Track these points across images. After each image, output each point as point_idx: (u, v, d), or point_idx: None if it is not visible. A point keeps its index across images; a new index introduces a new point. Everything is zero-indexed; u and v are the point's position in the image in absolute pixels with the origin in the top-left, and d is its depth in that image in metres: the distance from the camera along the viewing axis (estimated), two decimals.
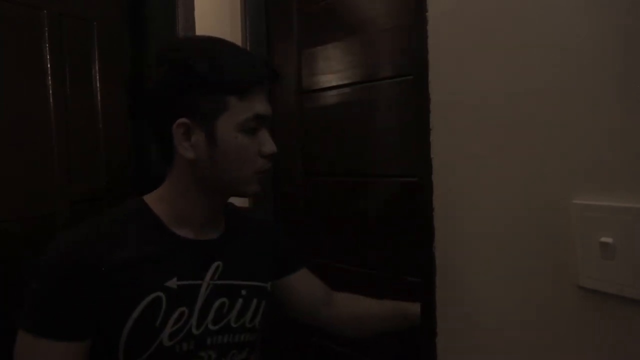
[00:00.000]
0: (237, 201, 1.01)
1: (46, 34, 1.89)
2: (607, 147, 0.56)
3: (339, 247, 1.27)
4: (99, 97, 2.06)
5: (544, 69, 0.63)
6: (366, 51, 1.11)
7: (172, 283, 0.80)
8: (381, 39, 1.05)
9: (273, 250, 1.00)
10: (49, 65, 1.89)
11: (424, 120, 0.81)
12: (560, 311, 0.63)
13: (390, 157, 1.04)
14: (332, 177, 1.28)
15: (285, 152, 1.50)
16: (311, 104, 1.39)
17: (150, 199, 0.87)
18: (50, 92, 1.89)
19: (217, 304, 0.84)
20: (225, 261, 0.87)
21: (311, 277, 1.07)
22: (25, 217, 1.80)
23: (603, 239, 0.57)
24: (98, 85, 2.06)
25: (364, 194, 1.14)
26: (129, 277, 0.77)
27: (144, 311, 0.77)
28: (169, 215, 0.85)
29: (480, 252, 0.74)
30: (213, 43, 0.83)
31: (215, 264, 0.86)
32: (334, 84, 1.24)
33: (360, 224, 1.17)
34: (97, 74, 2.06)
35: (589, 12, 0.58)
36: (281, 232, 1.07)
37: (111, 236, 0.79)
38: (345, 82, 1.19)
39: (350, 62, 1.16)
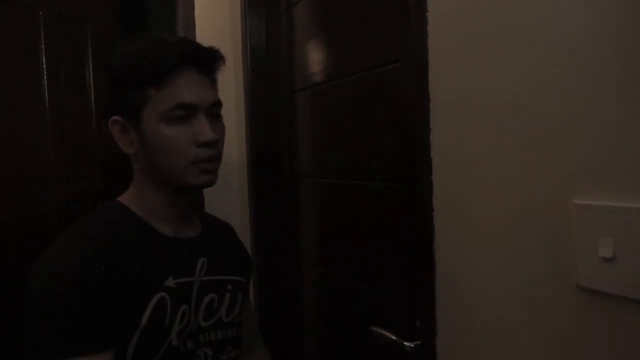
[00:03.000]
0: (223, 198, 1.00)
1: (42, 35, 1.88)
2: (607, 147, 0.57)
3: (333, 251, 1.27)
4: (93, 98, 2.06)
5: (543, 69, 0.63)
6: (364, 50, 1.11)
7: (170, 282, 0.79)
8: (380, 38, 1.05)
9: (244, 253, 1.02)
10: (44, 66, 1.88)
11: (424, 120, 0.81)
12: (560, 311, 0.63)
13: (389, 158, 1.04)
14: (325, 179, 1.28)
15: (274, 152, 1.51)
16: (303, 102, 1.39)
17: (125, 199, 0.85)
18: (46, 92, 1.88)
19: (206, 300, 0.84)
20: (209, 257, 0.87)
21: (251, 313, 1.04)
22: (21, 217, 1.79)
23: (603, 239, 0.57)
24: (92, 85, 2.05)
25: (360, 195, 1.14)
26: (132, 281, 0.75)
27: (153, 313, 0.76)
28: (147, 213, 0.84)
29: (480, 252, 0.74)
30: (135, 38, 0.82)
31: (201, 260, 0.86)
32: (328, 82, 1.24)
33: (358, 227, 1.17)
34: (92, 75, 2.05)
35: (589, 12, 0.58)
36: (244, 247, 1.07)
37: (104, 244, 0.76)
38: (342, 80, 1.19)
39: (348, 60, 1.16)
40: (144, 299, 0.76)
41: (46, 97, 1.89)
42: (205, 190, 1.66)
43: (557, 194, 0.62)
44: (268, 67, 1.50)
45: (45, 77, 1.89)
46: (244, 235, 1.59)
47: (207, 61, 0.82)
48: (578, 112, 0.59)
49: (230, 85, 1.65)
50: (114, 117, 0.81)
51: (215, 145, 0.80)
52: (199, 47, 0.82)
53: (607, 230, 0.57)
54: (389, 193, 1.03)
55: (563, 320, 0.63)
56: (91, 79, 2.06)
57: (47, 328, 0.69)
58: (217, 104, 0.83)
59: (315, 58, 1.30)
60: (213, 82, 0.84)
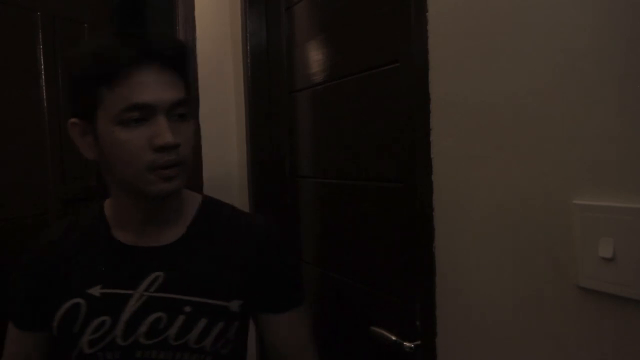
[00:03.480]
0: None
1: (40, 36, 1.88)
2: (607, 147, 0.57)
3: (333, 251, 1.27)
4: None
5: (544, 69, 0.63)
6: (364, 50, 1.11)
7: (95, 290, 0.77)
8: (380, 38, 1.05)
9: (258, 267, 0.82)
10: (42, 67, 1.88)
11: (424, 121, 0.81)
12: (560, 311, 0.63)
13: (389, 158, 1.04)
14: (325, 179, 1.28)
15: (274, 152, 1.51)
16: (302, 102, 1.39)
17: (106, 201, 0.86)
18: (44, 93, 1.88)
19: (151, 317, 0.77)
20: (170, 272, 0.79)
21: (294, 325, 0.86)
22: (19, 216, 1.79)
23: (603, 239, 0.57)
24: None
25: (360, 195, 1.14)
26: (56, 282, 0.80)
27: (63, 316, 0.78)
28: (113, 218, 0.82)
29: (480, 252, 0.74)
30: (94, 37, 0.78)
31: (154, 274, 0.78)
32: (328, 82, 1.24)
33: (358, 227, 1.17)
34: None
35: (589, 12, 0.58)
36: (280, 252, 0.86)
37: (57, 243, 0.83)
38: (341, 80, 1.19)
39: (348, 60, 1.16)
40: (58, 302, 0.79)
41: (44, 97, 1.89)
42: (205, 191, 1.66)
43: (557, 194, 0.62)
44: (268, 67, 1.50)
45: (42, 77, 1.89)
46: None
47: (172, 57, 0.75)
48: (578, 112, 0.59)
49: (230, 85, 1.65)
50: (72, 120, 0.76)
51: (176, 149, 0.72)
52: (161, 42, 0.75)
53: (607, 230, 0.57)
54: (389, 193, 1.03)
55: (563, 320, 0.63)
56: None
57: (7, 294, 0.86)
58: (181, 103, 0.74)
59: (315, 58, 1.30)
60: (180, 79, 0.76)
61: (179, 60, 0.76)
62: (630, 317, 0.55)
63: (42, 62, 1.88)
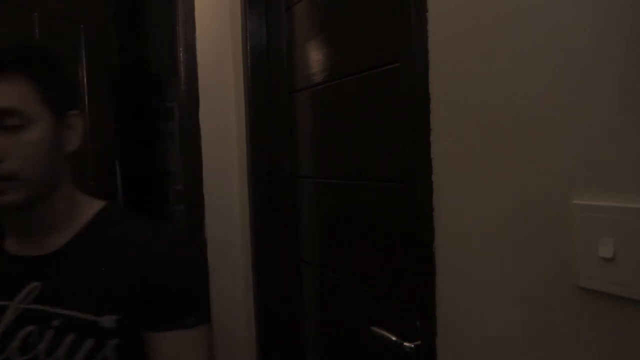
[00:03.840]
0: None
1: (37, 36, 1.88)
2: (607, 147, 0.57)
3: (333, 251, 1.27)
4: (86, 100, 2.06)
5: (543, 69, 0.63)
6: (364, 50, 1.11)
7: None
8: (380, 38, 1.05)
9: (137, 281, 0.74)
10: None
11: (424, 121, 0.81)
12: (560, 311, 0.63)
13: (389, 158, 1.04)
14: (324, 179, 1.28)
15: (273, 152, 1.51)
16: (302, 102, 1.40)
17: None
18: None
19: (24, 331, 0.73)
20: (48, 282, 0.75)
21: (180, 350, 0.74)
22: None
23: (603, 239, 0.57)
24: (86, 86, 2.05)
25: (360, 195, 1.15)
26: None
27: None
28: (6, 227, 0.81)
29: (480, 252, 0.74)
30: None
31: (32, 285, 0.74)
32: (328, 82, 1.24)
33: (358, 227, 1.17)
34: (85, 75, 2.05)
35: (589, 12, 0.58)
36: (165, 266, 0.75)
37: None
38: (341, 80, 1.19)
39: (348, 60, 1.17)
40: None
41: None
42: (205, 191, 1.66)
43: (557, 194, 0.62)
44: (268, 67, 1.50)
45: None
46: (244, 235, 1.59)
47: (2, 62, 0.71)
48: (578, 112, 0.59)
49: (230, 85, 1.65)
50: None
51: None
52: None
53: (607, 230, 0.57)
54: (389, 193, 1.04)
55: (563, 320, 0.63)
56: (85, 79, 2.06)
57: None
58: (6, 113, 0.69)
59: (315, 58, 1.30)
60: (19, 85, 0.71)
61: (19, 64, 0.72)
62: (630, 317, 0.55)
63: None
